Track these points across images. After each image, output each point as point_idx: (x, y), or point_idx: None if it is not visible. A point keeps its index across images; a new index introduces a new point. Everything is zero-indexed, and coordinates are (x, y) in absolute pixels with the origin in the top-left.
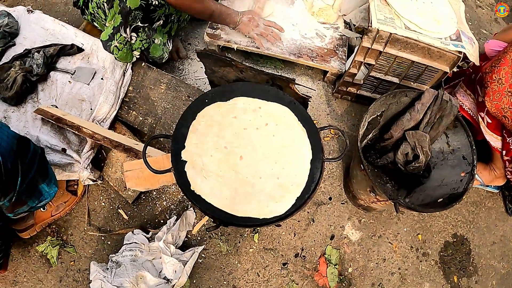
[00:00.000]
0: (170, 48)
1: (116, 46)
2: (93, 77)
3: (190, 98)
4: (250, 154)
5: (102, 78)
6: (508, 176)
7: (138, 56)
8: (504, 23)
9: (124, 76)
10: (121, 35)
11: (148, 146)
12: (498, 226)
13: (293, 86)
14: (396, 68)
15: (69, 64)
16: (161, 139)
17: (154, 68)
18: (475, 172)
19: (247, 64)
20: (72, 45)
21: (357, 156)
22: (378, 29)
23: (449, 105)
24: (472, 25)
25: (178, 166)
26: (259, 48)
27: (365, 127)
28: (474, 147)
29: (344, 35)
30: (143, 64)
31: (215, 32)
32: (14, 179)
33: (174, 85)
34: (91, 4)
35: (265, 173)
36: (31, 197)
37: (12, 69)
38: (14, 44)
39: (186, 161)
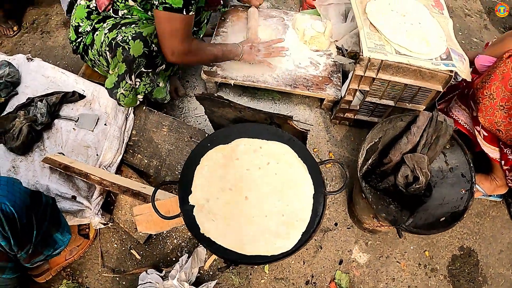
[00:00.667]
0: (168, 89)
1: (122, 93)
2: (96, 124)
3: (193, 139)
4: (254, 194)
5: (105, 124)
6: (509, 184)
7: (141, 100)
8: (494, 29)
9: (126, 120)
10: (126, 82)
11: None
12: (504, 234)
13: (291, 122)
14: (390, 91)
15: (72, 111)
16: (167, 179)
17: (155, 111)
18: (474, 190)
19: (245, 105)
20: (74, 92)
21: (358, 184)
22: (369, 57)
23: (444, 125)
24: (463, 34)
25: (187, 211)
26: (255, 82)
27: (364, 155)
28: (471, 165)
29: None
30: (144, 108)
31: (211, 69)
32: (29, 233)
33: (176, 127)
34: (91, 51)
35: (270, 211)
36: (47, 246)
37: (17, 119)
38: (16, 93)
39: (194, 206)
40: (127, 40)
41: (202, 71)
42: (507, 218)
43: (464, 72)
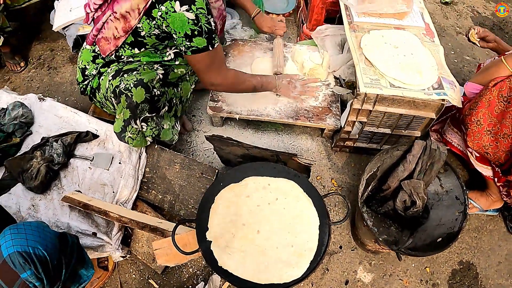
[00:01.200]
0: (179, 129)
1: (130, 136)
2: (111, 162)
3: (204, 175)
4: (265, 228)
5: (120, 162)
6: (504, 199)
7: (151, 141)
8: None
9: (140, 159)
10: (132, 126)
11: (169, 222)
12: (501, 246)
13: (295, 158)
14: (386, 120)
15: (87, 151)
16: (181, 213)
17: (167, 149)
18: (467, 212)
19: (250, 142)
20: (87, 132)
21: (359, 212)
22: (366, 93)
23: (437, 152)
24: (455, 53)
25: (205, 247)
26: (259, 116)
27: (364, 185)
28: (464, 188)
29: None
30: (156, 146)
31: (216, 105)
32: (59, 272)
33: (187, 164)
34: (98, 94)
35: (281, 243)
36: (73, 282)
37: (34, 160)
38: (31, 133)
39: (211, 241)
40: (129, 88)
41: (208, 107)
42: (504, 230)
43: (455, 99)
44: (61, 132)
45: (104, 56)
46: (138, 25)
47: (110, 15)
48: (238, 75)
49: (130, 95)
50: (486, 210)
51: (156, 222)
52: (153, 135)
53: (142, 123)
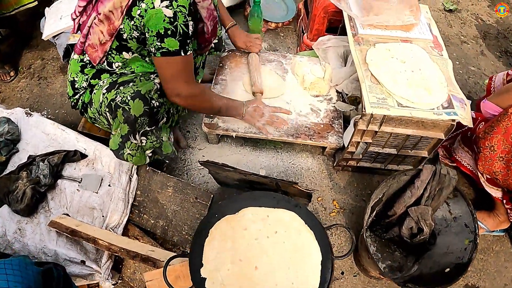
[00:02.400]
0: (172, 141)
1: (129, 153)
2: (100, 185)
3: (198, 200)
4: (264, 264)
5: (109, 185)
6: (511, 220)
7: (150, 155)
8: (490, 54)
9: (130, 181)
10: (131, 142)
11: (162, 250)
12: (508, 268)
13: (296, 186)
14: (392, 141)
15: (75, 172)
16: (174, 239)
17: (159, 172)
18: (477, 241)
19: (249, 171)
20: (76, 151)
21: (363, 241)
22: (372, 113)
23: (447, 178)
24: (460, 63)
25: (199, 284)
26: (257, 134)
27: (369, 213)
28: (475, 216)
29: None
30: (148, 168)
31: (212, 121)
32: None
33: (181, 188)
34: (90, 109)
35: (280, 280)
36: None
37: (20, 181)
38: (17, 151)
39: (206, 278)
40: (127, 101)
41: (203, 124)
42: (511, 251)
43: (466, 119)
44: (48, 151)
45: (95, 64)
46: (121, 27)
47: (95, 18)
48: (206, 92)
49: (127, 108)
50: (493, 231)
51: (148, 251)
52: (154, 148)
53: (142, 137)
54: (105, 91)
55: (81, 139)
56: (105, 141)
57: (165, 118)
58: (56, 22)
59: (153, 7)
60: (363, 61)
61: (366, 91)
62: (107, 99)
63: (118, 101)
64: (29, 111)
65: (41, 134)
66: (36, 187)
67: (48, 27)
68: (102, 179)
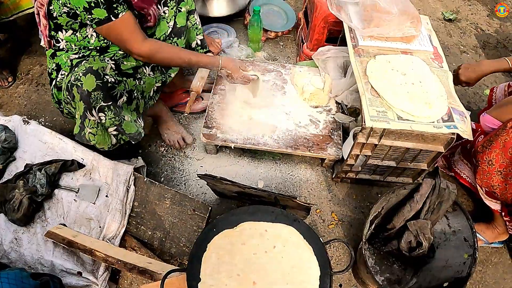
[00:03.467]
0: (142, 124)
1: (90, 132)
2: (97, 195)
3: (196, 212)
4: (262, 279)
5: (106, 196)
6: (510, 232)
7: (115, 134)
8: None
9: (128, 192)
10: (89, 119)
11: (160, 262)
12: (506, 279)
13: (295, 200)
14: (392, 154)
15: (72, 181)
16: (172, 251)
17: (157, 183)
18: (476, 255)
19: (247, 185)
20: (73, 161)
21: (361, 254)
22: (372, 127)
23: (447, 192)
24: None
25: None
26: (255, 145)
27: (368, 226)
28: (474, 230)
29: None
30: (145, 179)
31: (210, 132)
32: None
33: (178, 199)
34: (63, 102)
35: None
36: None
37: (17, 190)
38: (14, 159)
39: None
40: (79, 77)
41: (201, 134)
42: (509, 262)
43: (466, 132)
44: (45, 160)
45: (48, 49)
46: (50, 7)
47: (37, 3)
48: (165, 45)
49: (80, 84)
50: (492, 243)
51: (146, 263)
52: (114, 125)
53: (100, 113)
54: (64, 77)
55: (78, 149)
56: (103, 151)
57: (125, 97)
58: None
59: None
60: (364, 73)
61: (366, 104)
62: (65, 84)
63: (72, 80)
64: (26, 119)
65: (38, 143)
66: (33, 197)
67: None
68: (99, 190)
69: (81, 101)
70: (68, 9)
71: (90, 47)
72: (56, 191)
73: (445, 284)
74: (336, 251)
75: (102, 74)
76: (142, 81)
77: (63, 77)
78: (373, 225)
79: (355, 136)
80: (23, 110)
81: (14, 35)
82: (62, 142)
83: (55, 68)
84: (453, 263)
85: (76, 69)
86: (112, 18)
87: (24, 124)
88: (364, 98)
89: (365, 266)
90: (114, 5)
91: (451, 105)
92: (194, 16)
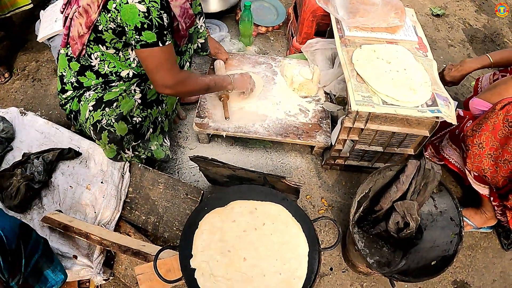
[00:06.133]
0: (168, 144)
1: (127, 159)
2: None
3: (189, 196)
4: (252, 255)
5: (102, 182)
6: (498, 217)
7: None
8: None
9: (123, 178)
10: (125, 157)
11: (153, 245)
12: (496, 264)
13: (284, 180)
14: (378, 138)
15: (68, 169)
16: (165, 235)
17: (151, 168)
18: (463, 233)
19: (238, 166)
20: (70, 149)
21: (351, 236)
22: (357, 111)
23: (432, 172)
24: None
25: (188, 275)
26: (247, 133)
27: (355, 207)
28: (460, 209)
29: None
30: (139, 165)
31: (203, 121)
32: (18, 261)
33: (171, 184)
34: (80, 117)
35: (268, 271)
36: (38, 282)
37: (14, 177)
38: (11, 149)
39: (195, 269)
40: (111, 123)
41: (194, 123)
42: (498, 247)
43: (450, 116)
44: (42, 149)
45: (74, 56)
46: (97, 19)
47: (75, 10)
48: (191, 76)
49: (113, 130)
50: (480, 228)
51: (139, 245)
52: (145, 156)
53: (135, 151)
54: (91, 108)
55: (74, 138)
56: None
57: (151, 129)
58: (51, 25)
59: (127, 2)
60: (349, 61)
61: (352, 90)
62: (93, 118)
63: (104, 123)
64: (23, 110)
65: (35, 133)
66: (30, 184)
67: (43, 29)
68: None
69: (112, 143)
70: (115, 25)
71: (120, 73)
72: (52, 178)
73: (433, 263)
74: (326, 236)
75: (129, 118)
76: (164, 104)
77: (92, 114)
78: (361, 207)
79: (342, 122)
80: (19, 104)
81: (10, 32)
82: (58, 132)
83: (75, 81)
84: (440, 243)
85: (107, 110)
86: (160, 44)
87: (21, 115)
88: (349, 84)
89: (354, 245)
90: (165, 32)
91: (435, 91)
92: (196, 20)
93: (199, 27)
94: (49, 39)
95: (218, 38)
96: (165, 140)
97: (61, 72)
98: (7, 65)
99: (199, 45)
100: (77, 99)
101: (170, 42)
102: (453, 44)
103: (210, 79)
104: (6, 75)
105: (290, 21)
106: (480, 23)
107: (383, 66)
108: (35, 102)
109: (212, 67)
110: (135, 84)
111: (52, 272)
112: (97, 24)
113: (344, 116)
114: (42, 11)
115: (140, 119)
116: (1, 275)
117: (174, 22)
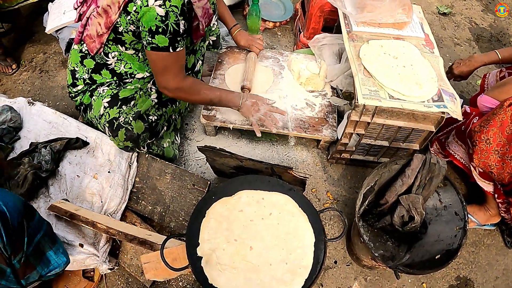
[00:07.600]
0: (179, 142)
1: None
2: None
3: (195, 187)
4: (258, 244)
5: (109, 171)
6: (502, 215)
7: None
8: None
9: (130, 168)
10: (138, 152)
11: (159, 235)
12: (499, 261)
13: (291, 172)
14: (384, 133)
15: (76, 159)
16: (171, 225)
17: (158, 159)
18: (467, 228)
19: (244, 155)
20: (77, 139)
21: (356, 228)
22: (364, 104)
23: (437, 167)
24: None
25: (195, 263)
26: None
27: (361, 200)
28: (464, 204)
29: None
30: (147, 155)
31: (210, 113)
32: (21, 239)
33: (178, 174)
34: (90, 112)
35: (274, 260)
36: (40, 262)
37: (22, 166)
38: (19, 138)
39: (202, 257)
40: (129, 121)
41: (201, 115)
42: (502, 245)
43: (456, 112)
44: (50, 138)
45: (92, 54)
46: (117, 20)
47: (93, 10)
48: (195, 86)
49: (130, 128)
50: (484, 225)
51: (145, 235)
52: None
53: (149, 149)
54: (106, 104)
55: (82, 128)
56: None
57: (165, 127)
58: (59, 17)
59: (147, 5)
60: (357, 56)
61: (359, 83)
62: (109, 115)
63: (121, 121)
64: (31, 101)
65: (42, 122)
66: (37, 173)
67: (51, 21)
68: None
69: (129, 141)
70: (134, 27)
71: (135, 76)
72: (59, 168)
73: (437, 257)
74: (332, 229)
75: (146, 116)
76: (178, 102)
77: (107, 110)
78: (367, 200)
79: (349, 116)
80: (26, 95)
81: (18, 24)
82: (66, 122)
83: (88, 77)
84: (444, 237)
85: (125, 108)
86: (170, 49)
87: (29, 105)
88: (357, 78)
89: (359, 237)
90: (178, 39)
91: (442, 87)
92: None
93: (211, 25)
94: (57, 31)
95: (226, 32)
96: (176, 137)
97: (73, 67)
98: (14, 57)
99: (211, 42)
100: (89, 93)
101: (181, 49)
102: (459, 43)
103: (216, 95)
104: (14, 66)
105: (298, 17)
106: (487, 22)
107: (390, 61)
108: (42, 93)
109: (219, 60)
110: (150, 82)
111: (54, 254)
112: (117, 25)
113: (351, 110)
114: (50, 3)
115: (156, 117)
116: (4, 251)
117: (194, 22)
